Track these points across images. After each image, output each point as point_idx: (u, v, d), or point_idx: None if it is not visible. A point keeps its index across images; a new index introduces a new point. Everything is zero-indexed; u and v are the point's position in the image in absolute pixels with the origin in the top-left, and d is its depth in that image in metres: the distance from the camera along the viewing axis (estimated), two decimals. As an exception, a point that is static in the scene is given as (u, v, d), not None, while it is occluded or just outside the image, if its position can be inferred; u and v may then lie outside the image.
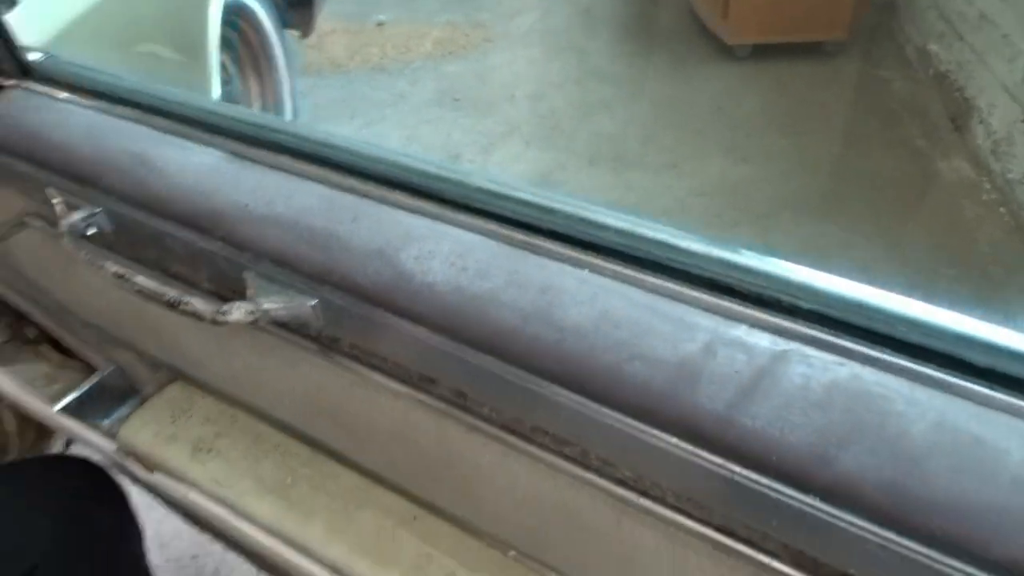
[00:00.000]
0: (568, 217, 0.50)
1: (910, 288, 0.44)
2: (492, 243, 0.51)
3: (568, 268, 0.49)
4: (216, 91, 1.91)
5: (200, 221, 0.61)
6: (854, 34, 3.25)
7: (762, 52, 3.29)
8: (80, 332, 0.92)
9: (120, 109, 0.68)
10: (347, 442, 0.72)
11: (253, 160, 0.61)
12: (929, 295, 0.44)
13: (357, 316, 0.56)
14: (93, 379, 0.92)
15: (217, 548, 1.69)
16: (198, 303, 0.59)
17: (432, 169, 0.55)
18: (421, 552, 0.67)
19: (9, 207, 0.82)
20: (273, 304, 0.58)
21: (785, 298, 0.45)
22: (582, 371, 0.46)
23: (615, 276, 0.48)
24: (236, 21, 2.31)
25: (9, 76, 0.74)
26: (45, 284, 0.89)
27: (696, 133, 2.97)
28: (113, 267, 0.63)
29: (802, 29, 3.19)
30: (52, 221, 0.77)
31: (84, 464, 1.05)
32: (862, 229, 2.42)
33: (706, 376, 0.43)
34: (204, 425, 0.80)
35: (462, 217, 0.53)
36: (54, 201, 0.70)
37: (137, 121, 0.67)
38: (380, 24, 3.79)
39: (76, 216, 0.68)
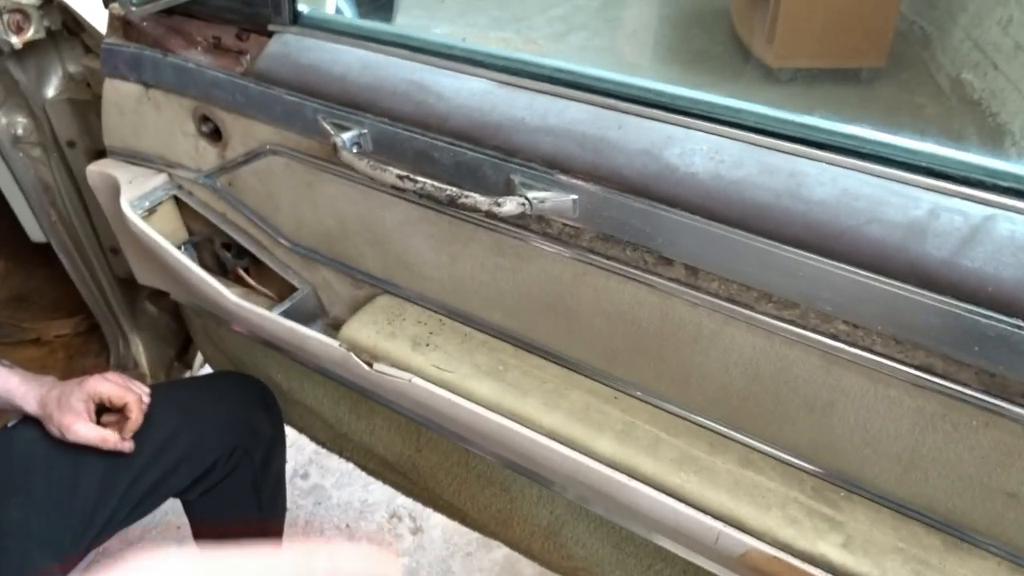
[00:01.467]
0: (806, 126, 0.65)
1: None
2: (743, 144, 0.66)
3: (809, 161, 0.64)
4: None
5: (477, 133, 0.75)
6: (889, 62, 3.44)
7: (803, 75, 3.47)
8: (284, 257, 1.06)
9: (388, 48, 0.83)
10: (557, 335, 0.86)
11: (521, 87, 0.76)
12: None
13: (616, 206, 0.70)
14: (296, 296, 1.06)
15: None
16: (477, 197, 0.73)
17: (688, 93, 0.70)
18: (626, 421, 0.81)
19: (254, 138, 0.97)
20: (537, 199, 0.72)
21: (989, 180, 0.59)
22: (827, 235, 0.61)
23: (851, 166, 0.62)
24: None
25: (283, 23, 0.89)
26: (266, 209, 1.03)
27: (741, 148, 3.13)
28: (395, 172, 0.77)
29: (843, 55, 3.38)
30: (299, 150, 0.92)
31: (251, 380, 1.20)
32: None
33: (931, 232, 0.58)
34: (417, 326, 0.93)
35: (714, 126, 0.67)
36: (326, 125, 0.85)
37: (407, 58, 0.82)
38: (437, 37, 3.97)
39: (347, 134, 0.83)
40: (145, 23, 1.00)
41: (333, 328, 1.06)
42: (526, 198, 0.72)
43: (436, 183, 0.74)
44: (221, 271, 1.19)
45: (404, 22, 4.02)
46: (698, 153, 0.67)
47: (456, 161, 0.78)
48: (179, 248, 1.13)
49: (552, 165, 0.72)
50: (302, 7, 0.91)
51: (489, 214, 0.73)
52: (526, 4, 4.36)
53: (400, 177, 0.76)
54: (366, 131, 0.83)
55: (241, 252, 1.12)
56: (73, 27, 1.22)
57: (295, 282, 1.08)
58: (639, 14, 4.17)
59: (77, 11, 1.21)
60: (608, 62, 3.74)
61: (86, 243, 1.37)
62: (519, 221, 0.78)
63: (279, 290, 1.13)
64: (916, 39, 3.71)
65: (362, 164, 0.79)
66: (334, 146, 0.82)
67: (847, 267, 0.60)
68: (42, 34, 1.17)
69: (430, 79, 0.79)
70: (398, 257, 0.93)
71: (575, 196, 0.72)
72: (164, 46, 0.98)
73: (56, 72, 1.27)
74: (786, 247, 0.63)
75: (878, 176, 0.61)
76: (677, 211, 0.67)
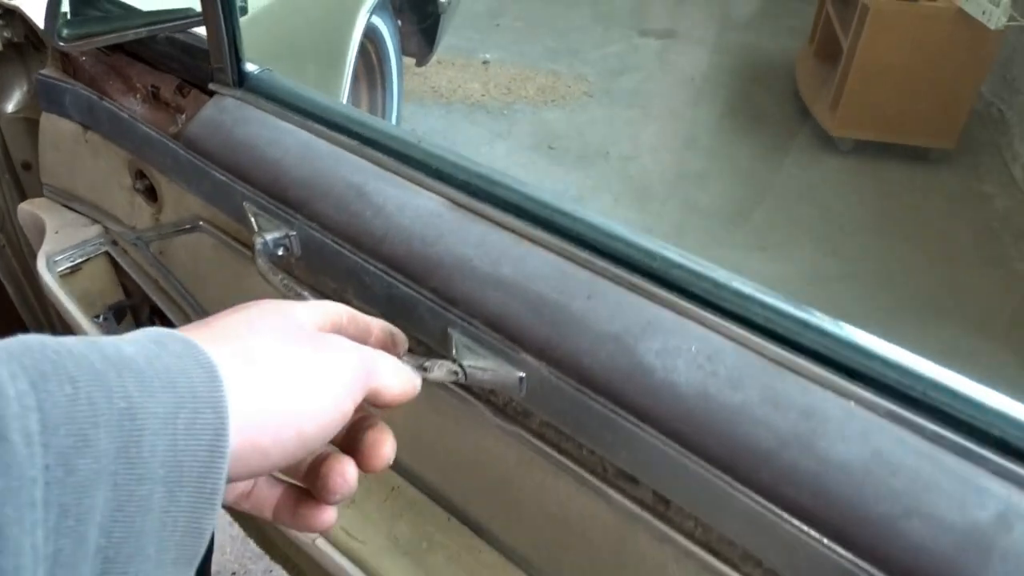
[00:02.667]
0: (833, 339, 0.47)
1: None
2: (745, 351, 0.48)
3: (831, 396, 0.46)
4: (342, 108, 1.93)
5: (415, 266, 0.59)
6: (960, 143, 3.20)
7: (865, 148, 3.25)
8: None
9: (335, 135, 0.68)
10: (497, 518, 0.69)
11: (477, 214, 0.59)
12: None
13: (570, 399, 0.53)
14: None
15: (258, 567, 1.67)
16: (399, 352, 0.57)
17: (678, 258, 0.53)
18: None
19: (186, 208, 0.82)
20: (476, 368, 0.56)
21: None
22: (845, 515, 0.43)
23: (888, 416, 0.44)
24: (363, 43, 2.35)
25: (226, 83, 0.74)
26: (195, 288, 0.88)
27: (788, 219, 2.93)
28: (304, 293, 0.61)
29: (911, 133, 3.15)
30: (228, 232, 0.76)
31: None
32: (956, 346, 2.35)
33: (999, 553, 0.39)
34: (340, 462, 0.77)
35: (711, 317, 0.50)
36: (251, 216, 0.69)
37: (355, 152, 0.66)
38: (485, 63, 3.84)
39: (271, 235, 0.67)
40: (84, 58, 0.85)
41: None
42: (460, 366, 0.55)
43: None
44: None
45: (455, 44, 3.90)
46: (684, 355, 0.49)
47: (389, 293, 0.62)
48: (107, 310, 0.98)
49: (498, 328, 0.55)
50: (251, 67, 0.76)
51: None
52: (584, 38, 4.21)
53: (315, 308, 0.60)
54: (295, 233, 0.67)
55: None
56: (35, 40, 1.09)
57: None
58: (697, 62, 3.98)
59: (38, 23, 1.08)
60: (660, 109, 3.57)
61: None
62: (458, 381, 0.61)
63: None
64: (992, 122, 3.47)
65: (275, 280, 0.63)
66: (253, 248, 0.66)
67: (871, 569, 0.42)
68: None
69: (372, 186, 0.63)
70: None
71: (523, 374, 0.55)
72: (101, 88, 0.84)
73: (21, 86, 1.15)
74: (788, 517, 0.45)
75: (930, 440, 0.43)
76: (647, 428, 0.49)
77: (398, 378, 0.42)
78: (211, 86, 0.76)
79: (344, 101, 2.01)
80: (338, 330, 0.43)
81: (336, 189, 0.64)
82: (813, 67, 3.63)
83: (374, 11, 2.10)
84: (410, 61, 2.94)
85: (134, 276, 0.95)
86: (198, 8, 0.73)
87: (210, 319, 0.39)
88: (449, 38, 3.93)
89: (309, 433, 0.36)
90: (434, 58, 3.68)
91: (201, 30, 0.76)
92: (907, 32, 2.91)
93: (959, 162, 3.26)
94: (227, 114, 0.73)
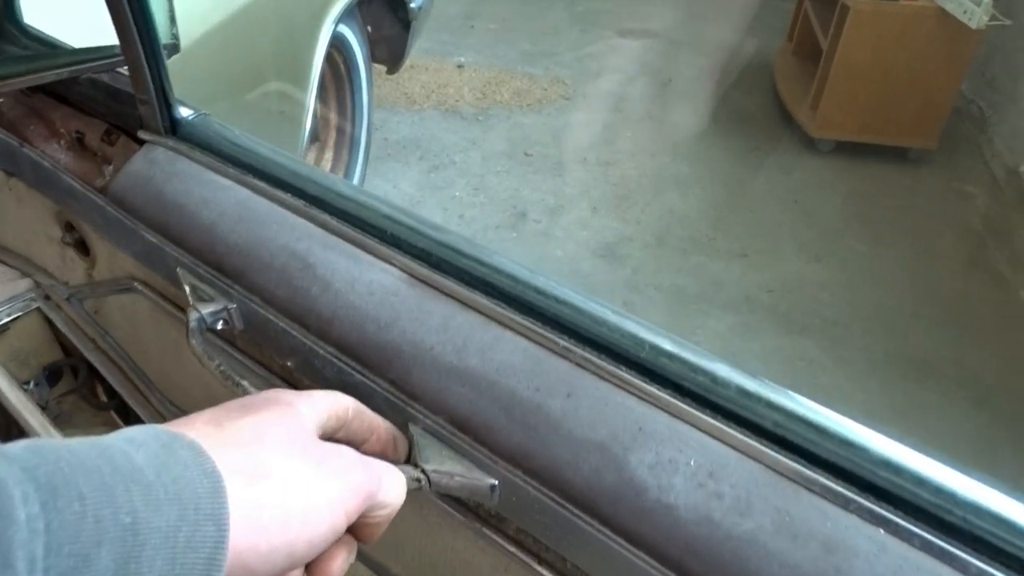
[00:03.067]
0: (858, 450, 0.40)
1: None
2: (753, 465, 0.41)
3: (858, 522, 0.39)
4: (307, 125, 1.84)
5: (368, 353, 0.51)
6: (940, 141, 3.16)
7: (845, 149, 3.20)
8: (159, 406, 0.83)
9: (277, 193, 0.60)
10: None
11: (440, 291, 0.51)
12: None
13: (551, 513, 0.46)
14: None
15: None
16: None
17: (672, 347, 0.46)
18: None
19: (120, 266, 0.74)
20: (440, 473, 0.48)
21: None
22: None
23: (926, 548, 0.37)
24: (330, 52, 2.26)
25: (156, 131, 0.66)
26: (135, 352, 0.80)
27: (769, 224, 2.87)
28: (244, 383, 0.53)
29: (891, 133, 3.11)
30: (166, 295, 0.68)
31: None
32: (939, 353, 2.30)
33: None
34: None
35: (711, 421, 0.43)
36: (185, 285, 0.61)
37: (299, 213, 0.58)
38: (460, 66, 3.75)
39: (207, 309, 0.59)
40: (1, 100, 0.77)
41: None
42: (423, 471, 0.48)
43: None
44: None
45: (428, 47, 3.81)
46: (681, 470, 0.42)
47: (342, 380, 0.54)
48: (42, 371, 0.89)
49: (465, 429, 0.48)
50: (185, 111, 0.67)
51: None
52: (560, 40, 4.13)
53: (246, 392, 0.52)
54: (234, 306, 0.59)
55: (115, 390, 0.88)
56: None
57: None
58: (676, 63, 3.92)
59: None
60: (638, 113, 3.50)
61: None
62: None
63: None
64: (972, 120, 3.44)
65: (211, 365, 0.55)
66: (187, 322, 0.58)
67: None
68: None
69: (319, 255, 0.55)
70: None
71: (495, 481, 0.47)
72: (21, 133, 0.75)
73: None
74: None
75: (976, 581, 0.36)
76: (640, 554, 0.42)
77: (395, 496, 0.42)
78: (140, 134, 0.68)
79: (310, 113, 1.92)
80: (343, 425, 0.44)
81: (278, 259, 0.56)
82: (792, 67, 3.58)
83: (340, 20, 2.01)
84: (381, 68, 2.85)
85: (69, 335, 0.86)
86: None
87: (220, 416, 0.38)
88: (422, 41, 3.84)
89: (299, 553, 0.36)
90: (406, 62, 3.60)
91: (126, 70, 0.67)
92: (887, 32, 2.86)
93: (940, 161, 3.22)
94: (157, 167, 0.64)
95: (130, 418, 0.90)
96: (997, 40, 3.23)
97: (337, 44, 2.27)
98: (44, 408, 0.83)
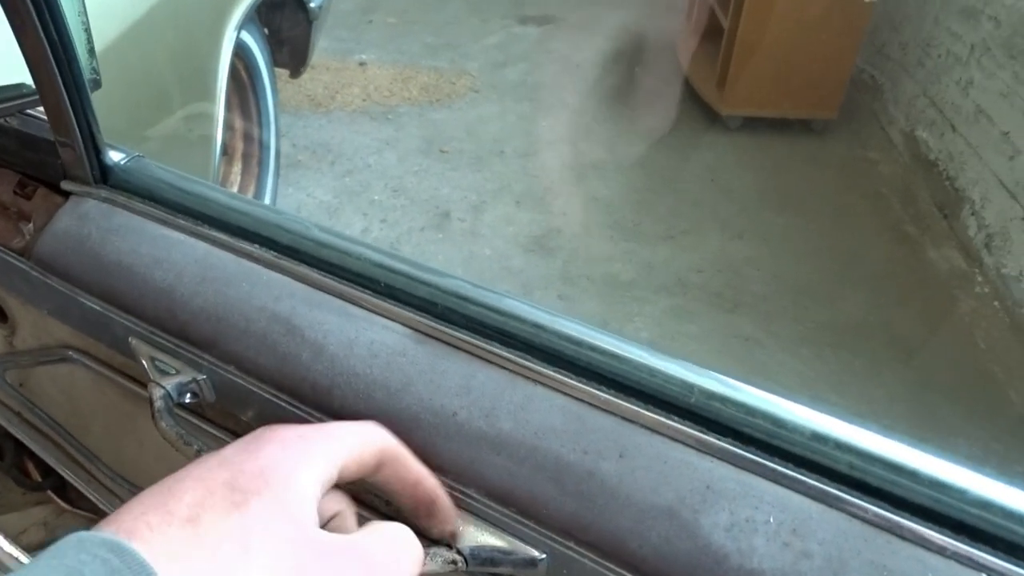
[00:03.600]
0: (957, 494, 0.37)
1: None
2: (837, 516, 0.38)
3: (959, 569, 0.36)
4: (219, 139, 1.72)
5: (382, 424, 0.45)
6: (840, 111, 3.28)
7: (752, 124, 3.28)
8: (107, 483, 0.73)
9: (246, 246, 0.52)
10: None
11: (453, 346, 0.46)
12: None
13: (614, 588, 0.41)
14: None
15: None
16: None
17: (729, 391, 0.42)
18: None
19: (50, 334, 0.64)
20: (479, 548, 0.43)
21: None
22: None
23: (1038, 592, 0.35)
24: (232, 60, 2.12)
25: (83, 180, 0.57)
26: (73, 426, 0.71)
27: (690, 204, 2.91)
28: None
29: (794, 106, 3.20)
30: (111, 364, 0.60)
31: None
32: (864, 318, 2.39)
33: None
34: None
35: (784, 471, 0.39)
36: (142, 358, 0.53)
37: (272, 267, 0.51)
38: (362, 64, 3.63)
39: (171, 382, 0.51)
40: None
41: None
42: (459, 552, 0.42)
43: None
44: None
45: (327, 46, 3.67)
46: (761, 528, 0.38)
47: (346, 453, 0.47)
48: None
49: (505, 502, 0.43)
50: (117, 155, 0.59)
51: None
52: (461, 31, 4.06)
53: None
54: (204, 376, 0.52)
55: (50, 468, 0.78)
56: None
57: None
58: (580, 48, 3.92)
59: None
60: (549, 100, 3.48)
61: None
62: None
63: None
64: (867, 88, 3.58)
65: (189, 451, 0.48)
66: (151, 400, 0.50)
67: None
68: None
69: (304, 316, 0.48)
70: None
71: (541, 555, 0.42)
72: (-90, 189, 0.64)
73: None
74: None
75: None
76: (725, 628, 0.38)
77: None
78: (64, 184, 0.58)
79: (220, 127, 1.79)
80: (369, 473, 0.38)
81: (256, 324, 0.49)
82: (694, 46, 3.64)
83: (242, 27, 1.89)
84: (282, 72, 2.71)
85: (-12, 411, 0.75)
86: (32, 83, 0.56)
87: (202, 508, 0.31)
88: (320, 39, 3.69)
89: None
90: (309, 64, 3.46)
91: (41, 111, 0.58)
92: (785, 7, 2.93)
93: (841, 131, 3.35)
94: (90, 223, 0.56)
95: (69, 495, 0.80)
96: (883, 10, 3.37)
97: (237, 50, 2.13)
98: (-32, 499, 0.72)
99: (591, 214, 2.83)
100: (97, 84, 0.56)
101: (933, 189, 2.95)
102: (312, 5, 2.47)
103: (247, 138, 2.43)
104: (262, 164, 2.49)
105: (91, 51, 0.55)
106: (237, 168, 2.44)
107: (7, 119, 0.60)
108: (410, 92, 3.46)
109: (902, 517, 0.37)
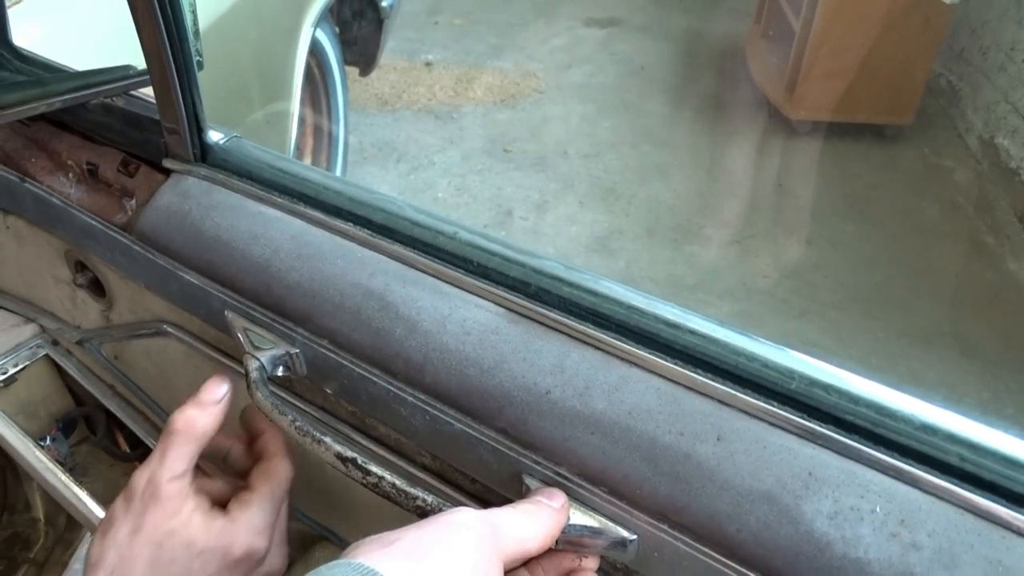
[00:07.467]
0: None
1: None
2: (948, 509, 0.36)
3: (1084, 569, 0.34)
4: (294, 134, 1.76)
5: (473, 401, 0.46)
6: (916, 119, 3.18)
7: (822, 129, 3.20)
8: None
9: (339, 224, 0.53)
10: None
11: (547, 326, 0.46)
12: None
13: (706, 571, 0.40)
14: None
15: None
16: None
17: (830, 378, 0.41)
18: None
19: (146, 308, 0.67)
20: (571, 531, 0.43)
21: None
22: None
23: None
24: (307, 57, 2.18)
25: (184, 159, 0.59)
26: (165, 399, 0.73)
27: (757, 209, 2.86)
28: (335, 450, 0.47)
29: (867, 111, 3.12)
30: (204, 338, 0.62)
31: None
32: (936, 328, 2.31)
33: None
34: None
35: (891, 461, 0.38)
36: (236, 331, 0.54)
37: (367, 245, 0.52)
38: (428, 64, 3.68)
39: (265, 355, 0.53)
40: (-4, 131, 0.69)
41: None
42: (550, 531, 0.42)
43: (400, 483, 0.44)
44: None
45: (394, 46, 3.72)
46: (867, 518, 0.37)
47: (435, 429, 0.48)
48: (56, 423, 0.82)
49: (597, 481, 0.42)
50: (217, 135, 0.60)
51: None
52: (527, 32, 4.07)
53: (344, 460, 0.46)
54: (297, 351, 0.53)
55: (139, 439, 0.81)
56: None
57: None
58: (645, 50, 3.89)
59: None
60: (613, 102, 3.46)
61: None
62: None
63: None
64: (943, 94, 3.46)
65: (284, 421, 0.49)
66: (246, 371, 0.52)
67: None
68: None
69: (398, 292, 0.49)
70: (346, 508, 0.63)
71: (632, 536, 0.42)
72: (20, 167, 0.68)
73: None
74: None
75: None
76: (827, 618, 0.37)
77: None
78: (166, 162, 0.61)
79: (295, 122, 1.83)
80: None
81: (350, 299, 0.50)
82: (763, 49, 3.57)
83: (317, 24, 1.93)
84: (352, 70, 2.76)
85: (84, 382, 0.78)
86: (141, 64, 0.58)
87: (415, 550, 0.35)
88: (389, 39, 3.75)
89: None
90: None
91: (148, 91, 0.61)
92: (861, 10, 2.86)
93: (916, 137, 3.24)
94: (191, 199, 0.58)
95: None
96: (962, 13, 3.26)
97: (311, 48, 2.18)
98: (63, 464, 0.75)
99: (655, 216, 2.80)
100: (200, 65, 0.58)
101: (1013, 198, 2.83)
102: (384, 4, 2.51)
103: (317, 134, 2.48)
104: (331, 160, 2.54)
105: (196, 32, 0.57)
106: (307, 163, 2.49)
107: (113, 99, 0.63)
108: (475, 92, 3.49)
109: (1014, 511, 0.36)
